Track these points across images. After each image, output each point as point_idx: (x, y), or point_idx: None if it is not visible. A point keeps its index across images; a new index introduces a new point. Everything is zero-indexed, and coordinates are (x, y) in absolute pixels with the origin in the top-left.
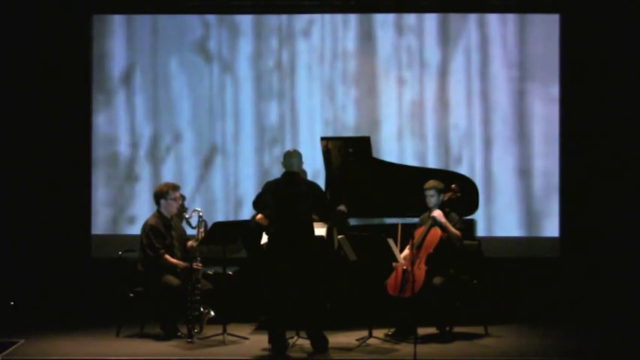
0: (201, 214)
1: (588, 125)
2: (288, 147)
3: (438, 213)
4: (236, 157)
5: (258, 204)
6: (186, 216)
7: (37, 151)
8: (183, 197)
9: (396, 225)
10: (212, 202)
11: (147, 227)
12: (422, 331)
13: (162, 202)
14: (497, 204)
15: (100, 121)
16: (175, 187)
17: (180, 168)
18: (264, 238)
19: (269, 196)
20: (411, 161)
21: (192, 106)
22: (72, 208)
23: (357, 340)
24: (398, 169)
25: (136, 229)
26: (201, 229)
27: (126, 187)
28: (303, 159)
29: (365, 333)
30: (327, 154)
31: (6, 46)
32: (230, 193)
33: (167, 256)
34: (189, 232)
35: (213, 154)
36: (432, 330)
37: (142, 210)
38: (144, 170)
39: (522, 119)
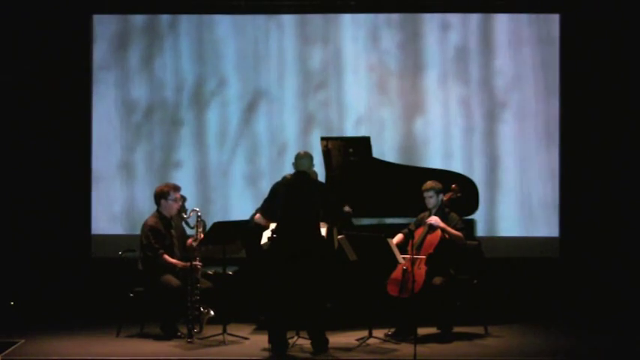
0: (199, 214)
1: (589, 124)
2: (333, 92)
3: (434, 220)
4: (280, 101)
5: (267, 211)
6: (185, 216)
7: (37, 151)
8: (183, 198)
9: (410, 228)
10: (256, 146)
11: (146, 227)
12: (422, 331)
13: (163, 202)
14: None
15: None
16: (176, 188)
17: (225, 113)
18: (264, 238)
19: (279, 196)
20: (454, 106)
21: (237, 51)
22: (72, 208)
23: (357, 340)
24: (398, 169)
25: (182, 174)
26: (200, 229)
27: (172, 132)
28: (347, 105)
29: (365, 333)
30: (327, 154)
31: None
32: (274, 137)
33: (166, 256)
34: (189, 231)
35: (257, 98)
36: (432, 330)
37: (187, 155)
38: (188, 115)
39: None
